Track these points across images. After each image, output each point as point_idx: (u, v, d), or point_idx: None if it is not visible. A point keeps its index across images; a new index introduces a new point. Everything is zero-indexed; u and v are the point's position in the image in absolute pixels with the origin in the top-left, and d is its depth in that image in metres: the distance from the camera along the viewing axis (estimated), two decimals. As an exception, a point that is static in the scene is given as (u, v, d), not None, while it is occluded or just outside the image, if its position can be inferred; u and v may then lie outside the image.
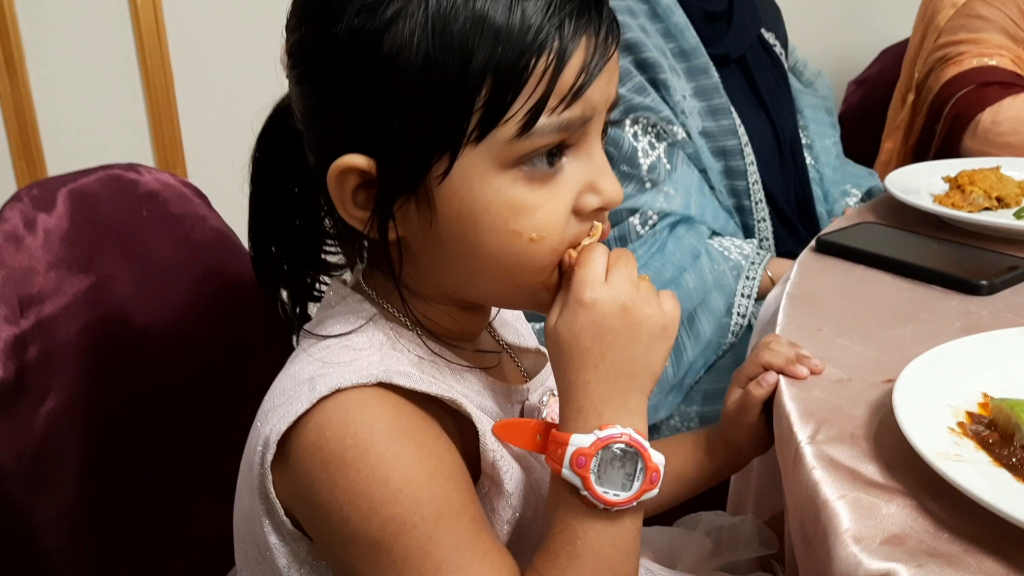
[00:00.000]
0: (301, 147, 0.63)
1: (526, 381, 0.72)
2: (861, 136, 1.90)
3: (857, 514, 0.58)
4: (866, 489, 0.61)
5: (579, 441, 0.57)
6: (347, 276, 0.70)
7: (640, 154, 1.20)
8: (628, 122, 1.20)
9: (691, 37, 1.26)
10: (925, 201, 1.13)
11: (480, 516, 0.59)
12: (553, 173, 0.58)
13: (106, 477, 0.81)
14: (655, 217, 1.20)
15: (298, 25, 0.59)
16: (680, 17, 1.26)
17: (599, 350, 0.58)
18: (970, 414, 0.66)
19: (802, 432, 0.68)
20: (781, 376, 0.75)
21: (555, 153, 0.57)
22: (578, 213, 0.60)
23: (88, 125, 1.80)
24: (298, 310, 0.70)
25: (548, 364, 0.74)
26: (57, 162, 1.74)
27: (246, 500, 0.61)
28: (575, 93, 0.55)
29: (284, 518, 0.58)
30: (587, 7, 0.56)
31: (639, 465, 0.57)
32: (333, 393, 0.55)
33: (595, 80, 0.56)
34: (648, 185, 1.21)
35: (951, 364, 0.71)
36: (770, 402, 0.77)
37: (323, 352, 0.60)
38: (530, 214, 0.57)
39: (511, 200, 0.57)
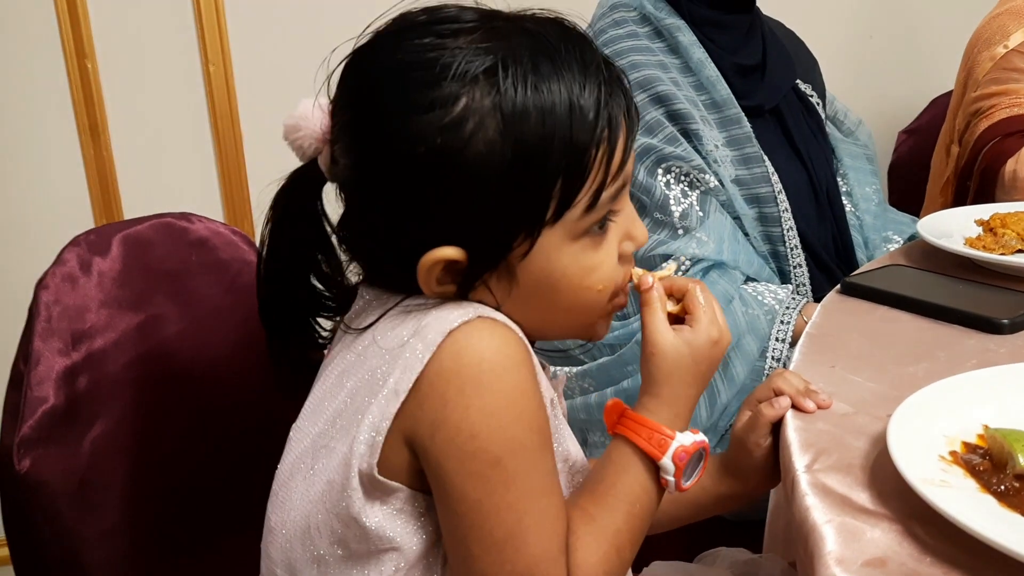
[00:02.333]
0: (317, 212, 0.71)
1: None
2: (912, 185, 1.89)
3: (842, 538, 0.59)
4: (854, 515, 0.62)
5: (683, 439, 0.69)
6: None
7: (672, 202, 1.23)
8: (660, 171, 1.23)
9: (723, 89, 1.29)
10: (958, 245, 1.13)
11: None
12: (605, 233, 0.68)
13: (147, 500, 0.86)
14: (688, 263, 1.22)
15: (361, 143, 0.65)
16: (712, 71, 1.29)
17: (706, 376, 0.71)
18: (966, 444, 0.66)
19: (799, 461, 0.69)
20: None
21: (605, 216, 0.67)
22: (620, 257, 0.70)
23: (164, 184, 1.92)
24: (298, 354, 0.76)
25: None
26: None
27: (324, 479, 0.65)
28: (620, 167, 0.66)
29: (379, 476, 0.62)
30: (619, 91, 0.65)
31: (701, 463, 0.71)
32: (447, 337, 0.61)
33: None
34: (681, 232, 1.23)
35: (954, 396, 0.71)
36: (777, 436, 0.78)
37: (405, 316, 0.65)
38: (597, 271, 0.68)
39: (583, 263, 0.67)
